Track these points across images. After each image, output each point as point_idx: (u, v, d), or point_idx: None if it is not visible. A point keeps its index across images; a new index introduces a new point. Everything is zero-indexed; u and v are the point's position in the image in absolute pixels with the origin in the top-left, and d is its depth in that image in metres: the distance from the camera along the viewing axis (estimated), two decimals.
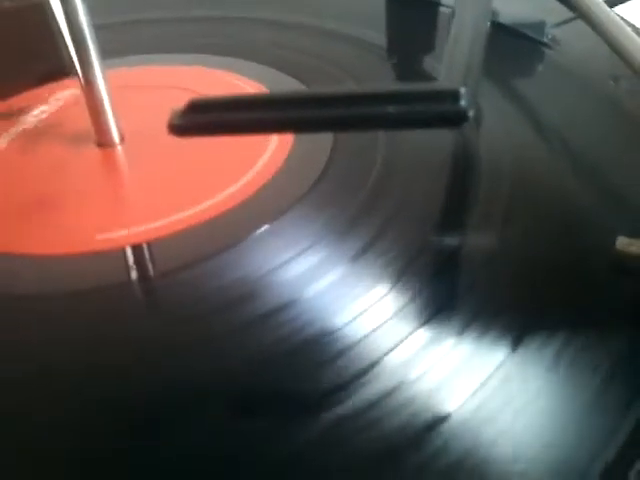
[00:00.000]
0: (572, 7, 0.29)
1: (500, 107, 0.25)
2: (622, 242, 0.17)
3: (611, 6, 0.34)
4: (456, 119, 0.13)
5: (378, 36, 0.31)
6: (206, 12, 0.33)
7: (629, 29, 0.23)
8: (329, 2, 0.35)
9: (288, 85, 0.25)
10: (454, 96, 0.13)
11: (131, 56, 0.29)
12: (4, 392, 0.15)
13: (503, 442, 0.13)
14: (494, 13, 0.36)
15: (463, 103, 0.13)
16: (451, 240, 0.19)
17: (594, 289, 0.17)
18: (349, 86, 0.20)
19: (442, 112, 0.13)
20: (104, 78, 0.22)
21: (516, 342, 0.15)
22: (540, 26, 0.34)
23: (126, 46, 0.30)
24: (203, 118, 0.13)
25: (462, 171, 0.21)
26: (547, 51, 0.31)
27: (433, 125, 0.14)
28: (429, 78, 0.28)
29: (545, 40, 0.33)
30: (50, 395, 0.15)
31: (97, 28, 0.21)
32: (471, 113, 0.13)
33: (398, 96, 0.13)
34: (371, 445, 0.13)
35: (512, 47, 0.32)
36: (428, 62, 0.29)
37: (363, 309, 0.16)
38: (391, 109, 0.13)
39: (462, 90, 0.13)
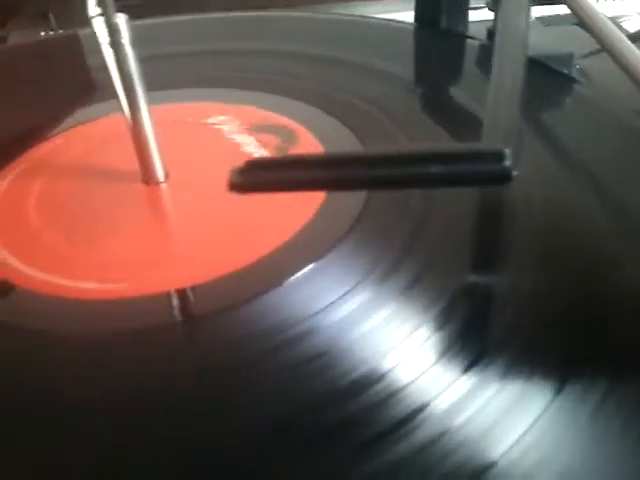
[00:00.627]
0: (596, 40, 0.30)
1: (529, 143, 0.25)
2: None
3: (634, 41, 0.35)
4: (500, 179, 0.14)
5: (408, 70, 0.32)
6: (246, 45, 0.34)
7: None
8: (358, 37, 0.36)
9: (326, 123, 0.26)
10: (498, 157, 0.14)
11: (173, 90, 0.30)
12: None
13: None
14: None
15: (507, 163, 0.14)
16: (490, 282, 0.19)
17: (636, 330, 0.17)
18: (399, 144, 0.21)
19: (487, 173, 0.14)
20: (150, 120, 0.23)
21: (559, 387, 0.16)
22: (568, 59, 0.34)
23: (170, 79, 0.31)
24: (260, 177, 0.14)
25: (496, 212, 0.22)
26: (575, 83, 0.32)
27: (478, 184, 0.15)
28: (459, 110, 0.28)
29: (573, 73, 0.34)
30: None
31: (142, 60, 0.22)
32: (515, 173, 0.14)
33: (444, 157, 0.14)
34: None
35: (540, 80, 0.33)
36: (458, 94, 0.30)
37: (407, 354, 0.17)
38: (437, 169, 0.14)
39: (506, 151, 0.14)
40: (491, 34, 0.36)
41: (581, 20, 0.30)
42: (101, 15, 0.20)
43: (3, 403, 0.17)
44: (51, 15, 0.49)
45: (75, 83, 0.33)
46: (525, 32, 0.22)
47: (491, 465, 0.14)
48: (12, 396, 0.17)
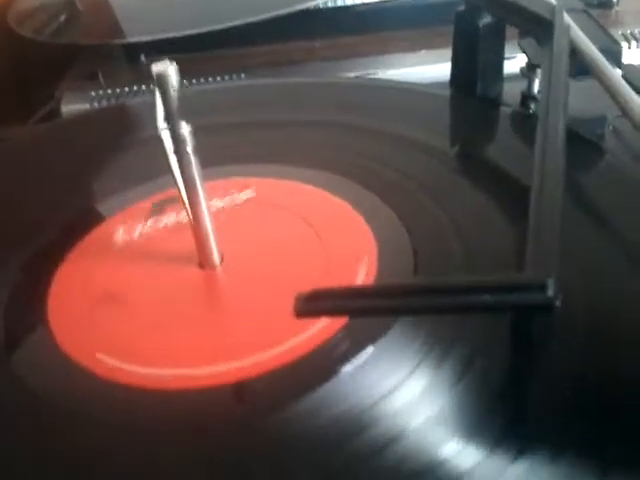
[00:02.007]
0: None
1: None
2: None
3: None
4: (544, 309, 0.15)
5: (445, 140, 0.33)
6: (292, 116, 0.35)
7: None
8: (393, 105, 0.37)
9: (370, 202, 0.27)
10: (542, 288, 0.15)
11: (220, 167, 0.31)
12: None
13: None
14: None
15: (550, 293, 0.15)
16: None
17: None
18: (456, 277, 0.21)
19: (531, 303, 0.15)
20: (209, 213, 0.25)
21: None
22: (601, 122, 0.35)
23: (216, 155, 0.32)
24: (323, 305, 0.16)
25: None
26: (608, 151, 0.32)
27: (524, 311, 0.16)
28: (498, 181, 0.29)
29: (604, 136, 0.34)
30: None
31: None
32: (558, 303, 0.15)
33: (492, 287, 0.15)
34: None
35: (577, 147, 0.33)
36: (495, 164, 0.31)
37: (460, 447, 0.18)
38: (485, 299, 0.15)
39: (549, 282, 0.15)
40: (525, 99, 0.37)
41: (609, 92, 0.31)
42: (168, 128, 0.22)
43: None
44: (100, 75, 0.51)
45: (128, 159, 0.34)
46: (564, 127, 0.24)
47: None
48: None
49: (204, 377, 0.21)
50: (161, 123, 0.22)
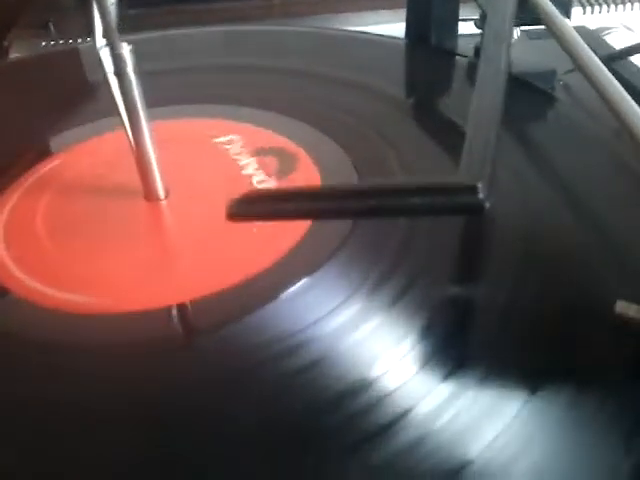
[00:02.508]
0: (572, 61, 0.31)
1: (511, 158, 0.27)
2: (621, 306, 0.19)
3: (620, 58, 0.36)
4: (473, 211, 0.15)
5: (400, 88, 0.33)
6: (248, 61, 0.35)
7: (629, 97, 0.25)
8: (352, 54, 0.37)
9: (323, 145, 0.27)
10: (472, 191, 0.15)
11: (181, 105, 0.31)
12: None
13: None
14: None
15: (480, 197, 0.15)
16: (470, 295, 0.21)
17: (599, 343, 0.19)
18: (387, 169, 0.22)
19: (461, 205, 0.15)
20: (153, 144, 0.24)
21: (532, 391, 0.17)
22: (551, 75, 0.36)
23: (177, 95, 0.32)
24: (256, 208, 0.15)
25: (477, 227, 0.23)
26: (556, 99, 0.33)
27: (453, 214, 0.16)
28: (448, 127, 0.30)
29: (554, 89, 0.35)
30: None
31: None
32: (487, 205, 0.15)
33: (423, 190, 0.15)
34: None
35: (524, 96, 0.34)
36: (447, 111, 0.31)
37: (390, 365, 0.18)
38: (416, 201, 0.15)
39: (479, 185, 0.15)
40: (478, 51, 0.38)
41: (558, 40, 0.32)
42: (107, 46, 0.21)
43: None
44: (51, 25, 0.50)
45: (78, 98, 0.34)
46: (506, 60, 0.24)
47: (469, 462, 0.15)
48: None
49: (130, 302, 0.21)
50: (99, 41, 0.21)
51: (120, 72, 0.22)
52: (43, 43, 0.47)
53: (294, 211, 0.15)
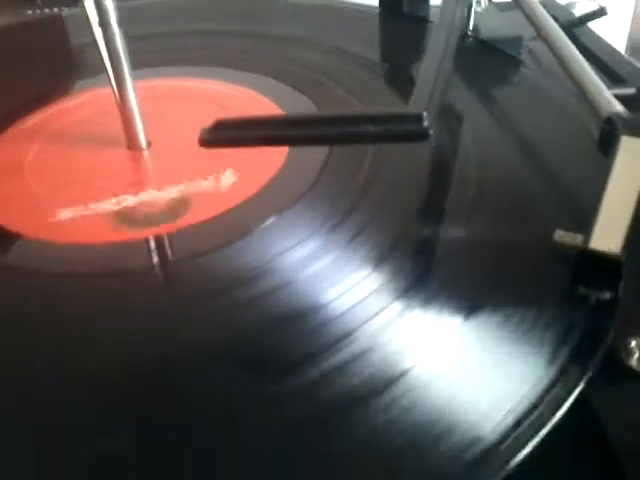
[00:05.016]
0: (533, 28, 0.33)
1: (475, 114, 0.29)
2: (559, 234, 0.21)
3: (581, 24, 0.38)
4: (419, 137, 0.17)
5: (371, 50, 0.35)
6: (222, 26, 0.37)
7: (592, 72, 0.27)
8: (330, 21, 0.39)
9: (291, 97, 0.29)
10: (418, 119, 0.17)
11: (150, 68, 0.33)
12: None
13: (456, 391, 0.17)
14: (475, 29, 0.40)
15: (425, 124, 0.17)
16: (422, 229, 0.23)
17: (538, 268, 0.21)
18: (342, 108, 0.24)
19: (408, 131, 0.17)
20: (134, 93, 0.26)
21: (468, 313, 0.19)
22: (517, 41, 0.38)
23: (152, 58, 0.34)
24: (225, 134, 0.17)
25: (437, 171, 0.25)
26: (523, 63, 0.35)
27: (402, 141, 0.18)
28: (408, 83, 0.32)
29: (521, 55, 0.37)
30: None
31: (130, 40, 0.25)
32: (431, 132, 0.17)
33: (376, 118, 0.17)
34: (344, 392, 0.17)
35: (491, 60, 0.36)
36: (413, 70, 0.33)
37: (347, 288, 0.20)
38: (370, 128, 0.17)
39: (424, 114, 0.17)
40: None
41: (522, 10, 0.34)
42: None
43: None
44: None
45: (65, 59, 0.35)
46: (461, 17, 0.26)
47: (407, 371, 0.17)
48: None
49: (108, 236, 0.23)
50: None
51: (104, 23, 0.23)
52: (29, 12, 0.48)
53: (260, 137, 0.17)
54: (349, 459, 0.15)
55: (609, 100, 0.25)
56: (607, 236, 0.18)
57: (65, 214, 0.24)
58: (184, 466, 0.15)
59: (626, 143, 0.22)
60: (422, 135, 0.17)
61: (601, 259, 0.18)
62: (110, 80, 0.25)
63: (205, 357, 0.18)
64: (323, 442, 0.16)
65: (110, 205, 0.24)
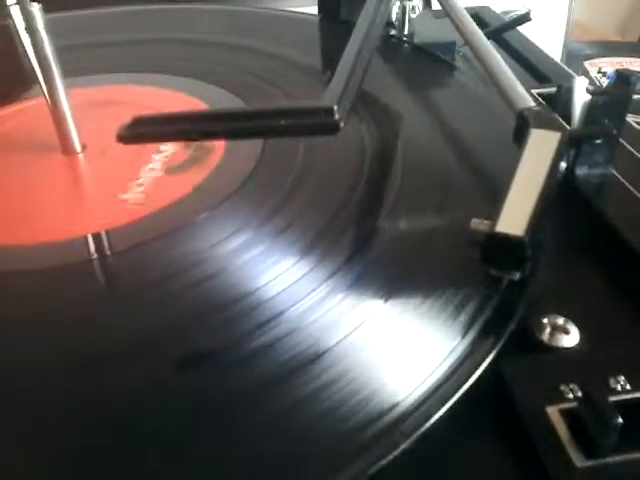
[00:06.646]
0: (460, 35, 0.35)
1: (408, 114, 0.30)
2: (475, 222, 0.22)
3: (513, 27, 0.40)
4: (330, 130, 0.18)
5: (306, 54, 0.36)
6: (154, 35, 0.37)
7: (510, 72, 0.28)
8: (266, 26, 0.40)
9: (224, 98, 0.30)
10: (329, 112, 0.18)
11: (89, 76, 0.33)
12: None
13: (379, 364, 0.18)
14: (410, 35, 0.41)
15: (336, 118, 0.18)
16: (351, 221, 0.23)
17: (458, 253, 0.22)
18: (260, 104, 0.25)
19: (319, 124, 0.18)
20: (66, 97, 0.26)
21: (387, 296, 0.20)
22: (450, 46, 0.39)
23: (86, 66, 0.34)
24: (143, 130, 0.18)
25: (365, 166, 0.26)
26: (455, 67, 0.37)
27: (314, 134, 0.19)
28: None
29: (454, 59, 0.39)
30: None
31: (64, 49, 0.25)
32: (342, 125, 0.18)
33: (289, 112, 0.18)
34: (270, 368, 0.17)
35: (426, 64, 0.37)
36: None
37: (277, 274, 0.21)
38: (283, 122, 0.18)
39: (335, 107, 0.18)
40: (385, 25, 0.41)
41: (450, 18, 0.35)
42: (17, 4, 0.23)
43: None
44: None
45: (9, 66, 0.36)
46: (382, 15, 0.27)
47: (330, 348, 0.18)
48: None
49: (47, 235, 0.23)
50: None
51: (32, 29, 0.24)
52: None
53: (177, 132, 0.18)
54: (274, 429, 0.16)
55: (523, 96, 0.26)
56: (513, 220, 0.19)
57: None
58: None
59: (535, 134, 0.23)
60: (333, 128, 0.18)
61: (507, 242, 0.19)
62: (41, 85, 0.26)
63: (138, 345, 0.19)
64: (253, 413, 0.16)
65: None
